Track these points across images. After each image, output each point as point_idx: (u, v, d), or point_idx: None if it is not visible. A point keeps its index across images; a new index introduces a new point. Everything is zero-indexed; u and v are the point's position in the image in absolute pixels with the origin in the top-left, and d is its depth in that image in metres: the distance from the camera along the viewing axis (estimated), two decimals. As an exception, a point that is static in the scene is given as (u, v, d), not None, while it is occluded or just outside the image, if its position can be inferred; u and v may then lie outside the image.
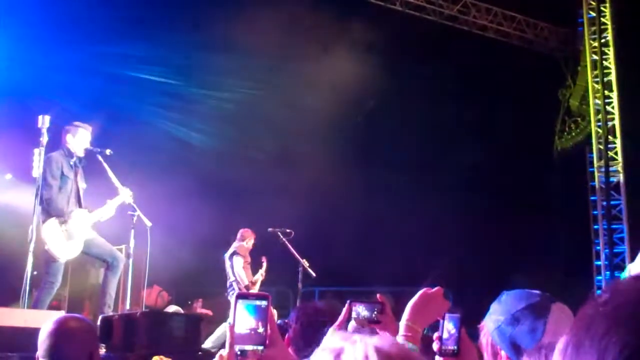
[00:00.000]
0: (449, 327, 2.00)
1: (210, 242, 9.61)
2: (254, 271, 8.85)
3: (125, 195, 6.49)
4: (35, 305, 5.92)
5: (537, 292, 2.04)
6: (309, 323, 3.68)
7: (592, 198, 13.36)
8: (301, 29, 11.64)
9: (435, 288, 2.03)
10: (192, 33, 11.32)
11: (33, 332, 2.93)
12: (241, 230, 8.87)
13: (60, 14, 10.12)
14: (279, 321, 5.08)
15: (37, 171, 5.97)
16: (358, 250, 11.96)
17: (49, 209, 6.09)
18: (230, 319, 1.51)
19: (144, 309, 7.07)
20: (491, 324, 2.01)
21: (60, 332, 2.75)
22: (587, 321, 0.86)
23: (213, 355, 1.47)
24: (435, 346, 1.99)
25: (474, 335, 2.12)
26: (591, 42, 13.28)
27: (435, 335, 2.01)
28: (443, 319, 2.01)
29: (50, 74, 9.97)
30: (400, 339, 1.89)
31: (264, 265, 8.95)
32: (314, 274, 8.34)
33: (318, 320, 3.72)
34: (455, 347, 2.01)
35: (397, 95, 12.59)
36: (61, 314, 4.67)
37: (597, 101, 13.02)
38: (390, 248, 11.95)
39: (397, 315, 2.03)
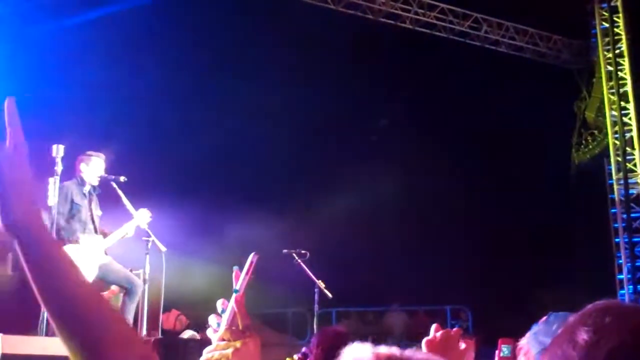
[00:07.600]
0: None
1: (225, 264, 9.59)
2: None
3: (141, 218, 6.49)
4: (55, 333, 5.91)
5: None
6: (330, 347, 3.64)
7: (612, 211, 13.19)
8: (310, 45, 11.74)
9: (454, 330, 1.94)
10: (208, 58, 11.44)
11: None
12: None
13: (75, 40, 10.26)
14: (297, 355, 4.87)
15: (52, 200, 6.01)
16: (374, 270, 11.89)
17: (58, 237, 6.13)
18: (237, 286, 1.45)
19: (161, 334, 7.07)
20: (536, 344, 1.87)
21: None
22: None
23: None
24: None
25: (490, 355, 2.04)
26: (605, 53, 13.19)
27: None
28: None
29: (65, 102, 10.08)
30: None
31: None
32: (330, 295, 8.27)
33: (339, 343, 3.69)
34: None
35: (409, 113, 12.59)
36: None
37: (614, 113, 12.90)
38: (407, 268, 11.86)
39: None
